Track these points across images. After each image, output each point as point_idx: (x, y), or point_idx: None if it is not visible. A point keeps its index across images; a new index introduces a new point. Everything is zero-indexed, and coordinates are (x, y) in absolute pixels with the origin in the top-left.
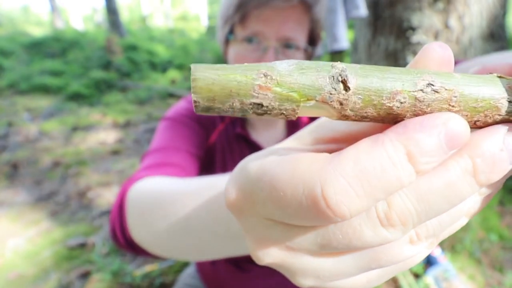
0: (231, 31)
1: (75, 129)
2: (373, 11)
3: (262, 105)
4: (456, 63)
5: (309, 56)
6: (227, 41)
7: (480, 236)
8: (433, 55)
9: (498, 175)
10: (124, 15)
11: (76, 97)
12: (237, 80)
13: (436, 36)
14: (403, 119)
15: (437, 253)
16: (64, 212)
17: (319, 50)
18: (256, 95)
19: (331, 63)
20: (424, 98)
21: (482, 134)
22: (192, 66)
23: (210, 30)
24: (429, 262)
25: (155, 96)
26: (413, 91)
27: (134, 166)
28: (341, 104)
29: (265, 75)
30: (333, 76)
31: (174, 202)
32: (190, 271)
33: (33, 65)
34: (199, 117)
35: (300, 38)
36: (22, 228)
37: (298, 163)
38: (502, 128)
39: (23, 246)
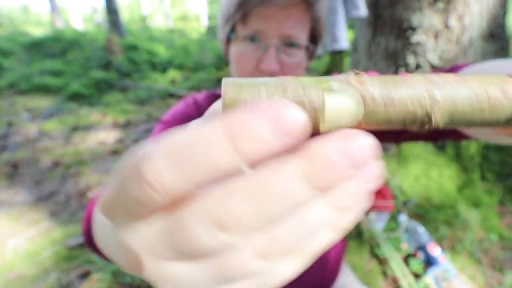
0: (233, 30)
1: (75, 129)
2: (373, 11)
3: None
4: (458, 68)
5: (311, 55)
6: (228, 41)
7: (480, 236)
8: None
9: (335, 179)
10: (124, 15)
11: (76, 97)
12: (261, 94)
13: (436, 36)
14: None
15: (437, 253)
16: (64, 212)
17: (320, 50)
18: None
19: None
20: None
21: (323, 137)
22: (224, 79)
23: (210, 30)
24: (429, 262)
25: (155, 96)
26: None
27: None
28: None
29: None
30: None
31: None
32: None
33: (33, 65)
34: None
35: (302, 36)
36: (22, 228)
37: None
38: (345, 133)
39: (23, 246)
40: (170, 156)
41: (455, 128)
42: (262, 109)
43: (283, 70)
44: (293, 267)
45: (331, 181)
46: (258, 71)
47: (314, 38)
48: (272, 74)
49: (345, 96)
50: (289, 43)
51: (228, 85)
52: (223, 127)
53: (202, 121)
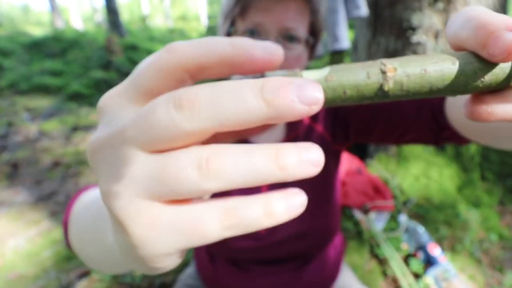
0: (232, 25)
1: (75, 129)
2: (373, 11)
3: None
4: None
5: (311, 50)
6: (228, 36)
7: (480, 236)
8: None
9: (282, 101)
10: (124, 15)
11: (76, 97)
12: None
13: (436, 36)
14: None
15: (437, 253)
16: (64, 212)
17: (320, 49)
18: None
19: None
20: None
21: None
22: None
23: (210, 30)
24: (429, 262)
25: None
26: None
27: None
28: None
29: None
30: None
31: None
32: (190, 271)
33: (33, 65)
34: None
35: (301, 29)
36: (22, 228)
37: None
38: (305, 79)
39: (23, 246)
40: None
41: (407, 98)
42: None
43: (283, 64)
44: (218, 223)
45: (278, 99)
46: None
47: (314, 32)
48: None
49: (314, 70)
50: (288, 36)
51: None
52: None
53: None
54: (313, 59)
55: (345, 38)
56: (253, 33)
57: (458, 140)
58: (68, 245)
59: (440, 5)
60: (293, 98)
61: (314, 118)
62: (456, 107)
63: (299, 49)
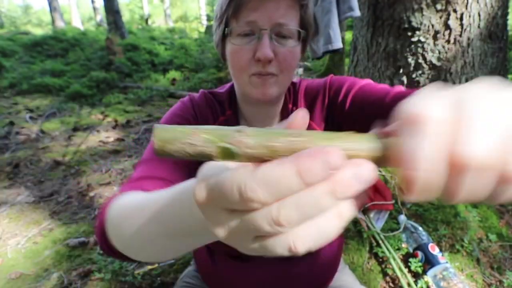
0: (227, 27)
1: (76, 129)
2: (372, 11)
3: (196, 145)
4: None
5: (304, 43)
6: (223, 38)
7: (479, 235)
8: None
9: (350, 192)
10: (125, 15)
11: (77, 97)
12: (179, 130)
13: (435, 36)
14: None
15: (436, 252)
16: (65, 211)
17: (321, 50)
18: (190, 139)
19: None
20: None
21: (346, 165)
22: (155, 126)
23: (210, 30)
24: (428, 261)
25: (155, 96)
26: (288, 138)
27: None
28: (239, 143)
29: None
30: (236, 129)
31: (142, 209)
32: (190, 270)
33: (34, 65)
34: (190, 121)
35: (292, 24)
36: (23, 227)
37: (235, 171)
38: (355, 162)
39: (24, 246)
40: (260, 183)
41: None
42: (317, 154)
43: (277, 59)
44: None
45: (347, 193)
46: (254, 61)
47: (305, 26)
48: (267, 61)
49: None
50: (281, 32)
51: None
52: (294, 167)
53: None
54: (305, 52)
55: (338, 39)
56: (248, 33)
57: None
58: (107, 249)
59: (439, 5)
60: (357, 186)
61: (310, 116)
62: None
63: (292, 43)
